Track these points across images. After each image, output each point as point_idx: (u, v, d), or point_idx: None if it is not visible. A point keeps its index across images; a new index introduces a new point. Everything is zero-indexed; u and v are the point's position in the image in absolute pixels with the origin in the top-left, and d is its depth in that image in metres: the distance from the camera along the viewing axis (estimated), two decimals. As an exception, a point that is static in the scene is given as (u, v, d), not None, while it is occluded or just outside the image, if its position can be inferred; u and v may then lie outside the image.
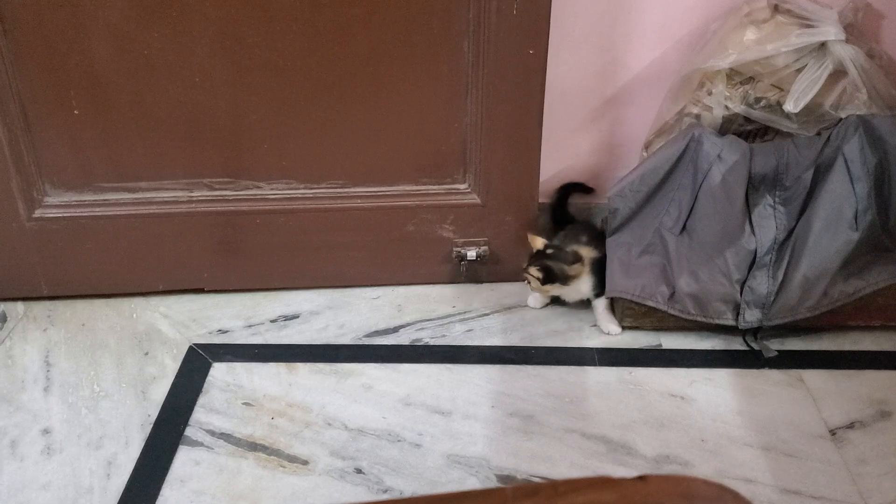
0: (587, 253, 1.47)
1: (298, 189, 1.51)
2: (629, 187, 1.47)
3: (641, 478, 0.42)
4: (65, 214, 1.49)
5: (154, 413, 1.33)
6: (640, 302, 1.42)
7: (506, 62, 1.37)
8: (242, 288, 1.60)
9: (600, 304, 1.48)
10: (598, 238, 1.51)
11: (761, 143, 1.44)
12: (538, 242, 1.47)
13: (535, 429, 1.28)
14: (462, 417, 1.31)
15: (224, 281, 1.59)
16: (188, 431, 1.29)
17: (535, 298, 1.54)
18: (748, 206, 1.40)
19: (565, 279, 1.44)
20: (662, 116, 1.49)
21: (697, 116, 1.43)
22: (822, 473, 1.20)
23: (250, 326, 1.52)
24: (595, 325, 1.50)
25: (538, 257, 1.45)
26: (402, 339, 1.48)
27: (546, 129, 1.45)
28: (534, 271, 1.43)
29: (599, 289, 1.46)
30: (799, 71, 1.36)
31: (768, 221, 1.40)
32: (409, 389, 1.36)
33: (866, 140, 1.34)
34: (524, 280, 1.48)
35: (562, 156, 1.61)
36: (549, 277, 1.43)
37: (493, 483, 1.20)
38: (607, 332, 1.48)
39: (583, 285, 1.46)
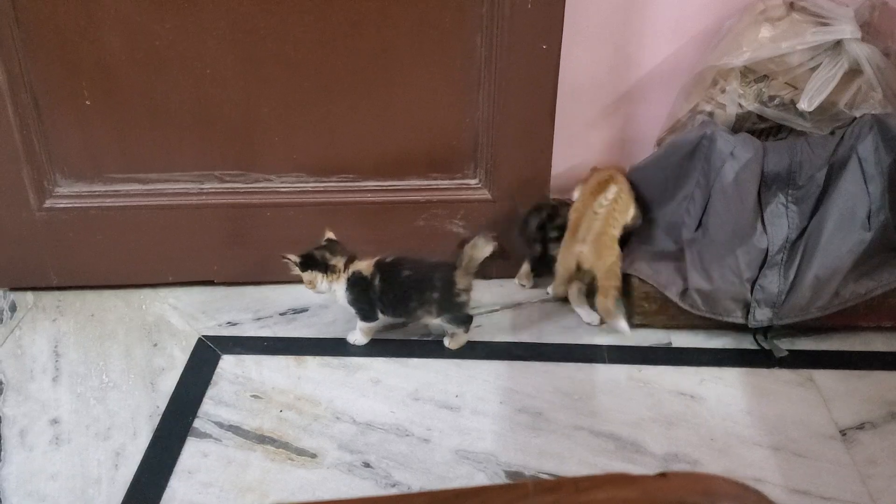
0: (363, 267, 1.39)
1: (309, 182, 1.51)
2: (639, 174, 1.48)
3: (662, 475, 0.42)
4: (75, 205, 1.49)
5: (162, 404, 1.33)
6: (657, 288, 1.40)
7: (519, 57, 1.37)
8: (252, 281, 1.60)
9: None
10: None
11: (774, 141, 1.43)
12: (327, 235, 1.42)
13: (543, 425, 1.28)
14: (470, 413, 1.30)
15: (234, 273, 1.59)
16: (196, 423, 1.29)
17: (358, 334, 1.45)
18: (760, 205, 1.39)
19: (326, 267, 1.37)
20: (675, 114, 1.48)
21: (710, 114, 1.43)
22: (832, 474, 1.19)
23: (259, 319, 1.52)
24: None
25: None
26: (411, 333, 1.48)
27: (558, 125, 1.44)
28: (292, 256, 1.37)
29: (358, 314, 1.41)
30: (813, 69, 1.35)
31: (780, 220, 1.39)
32: (418, 384, 1.36)
33: (881, 139, 1.33)
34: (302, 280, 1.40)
35: (573, 152, 1.60)
36: (308, 263, 1.37)
37: (501, 479, 1.20)
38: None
39: (339, 290, 1.39)
